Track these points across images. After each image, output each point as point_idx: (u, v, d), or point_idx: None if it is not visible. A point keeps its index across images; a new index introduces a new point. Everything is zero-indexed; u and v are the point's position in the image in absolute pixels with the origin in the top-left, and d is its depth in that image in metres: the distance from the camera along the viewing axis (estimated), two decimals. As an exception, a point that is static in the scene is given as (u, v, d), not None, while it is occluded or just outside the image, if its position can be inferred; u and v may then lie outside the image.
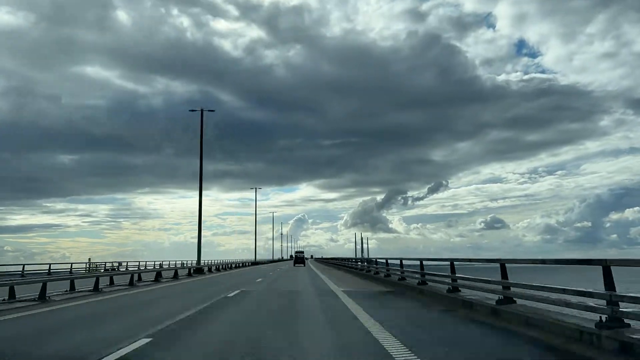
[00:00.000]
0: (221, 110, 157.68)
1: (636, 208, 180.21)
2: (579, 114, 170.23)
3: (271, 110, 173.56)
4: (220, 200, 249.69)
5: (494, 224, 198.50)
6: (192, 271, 35.62)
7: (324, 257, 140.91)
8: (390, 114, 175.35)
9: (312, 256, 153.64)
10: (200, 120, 42.21)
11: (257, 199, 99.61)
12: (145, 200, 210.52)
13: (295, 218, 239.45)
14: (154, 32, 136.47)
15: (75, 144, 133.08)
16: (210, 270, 43.09)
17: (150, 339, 7.55)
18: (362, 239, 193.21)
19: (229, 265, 55.49)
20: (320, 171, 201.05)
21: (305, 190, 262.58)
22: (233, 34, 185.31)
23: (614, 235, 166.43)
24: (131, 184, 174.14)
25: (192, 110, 44.12)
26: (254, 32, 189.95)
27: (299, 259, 71.12)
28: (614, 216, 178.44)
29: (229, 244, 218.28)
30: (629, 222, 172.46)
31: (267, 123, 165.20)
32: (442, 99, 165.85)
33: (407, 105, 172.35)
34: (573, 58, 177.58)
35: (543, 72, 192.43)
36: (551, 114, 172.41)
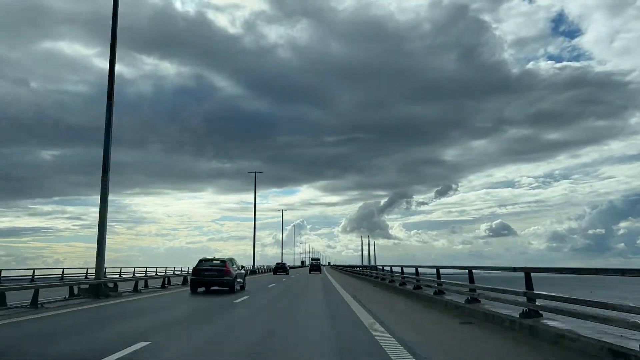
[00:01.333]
0: (216, 98, 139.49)
1: None
2: (610, 109, 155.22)
3: (271, 100, 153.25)
4: (217, 203, 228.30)
5: (501, 231, 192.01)
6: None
7: (331, 263, 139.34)
8: (402, 106, 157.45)
9: (329, 263, 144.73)
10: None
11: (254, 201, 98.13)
12: (137, 201, 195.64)
13: (293, 224, 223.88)
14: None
15: (54, 137, 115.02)
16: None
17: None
18: (369, 244, 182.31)
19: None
20: (322, 172, 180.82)
21: (305, 192, 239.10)
22: (230, 5, 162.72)
23: (622, 244, 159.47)
24: (120, 184, 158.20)
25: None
26: (255, 4, 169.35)
27: (314, 266, 71.71)
28: (624, 224, 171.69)
29: (225, 249, 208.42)
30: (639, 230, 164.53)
31: (266, 115, 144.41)
32: (462, 87, 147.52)
33: (422, 95, 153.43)
34: (616, 38, 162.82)
35: (578, 57, 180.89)
36: (579, 109, 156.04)
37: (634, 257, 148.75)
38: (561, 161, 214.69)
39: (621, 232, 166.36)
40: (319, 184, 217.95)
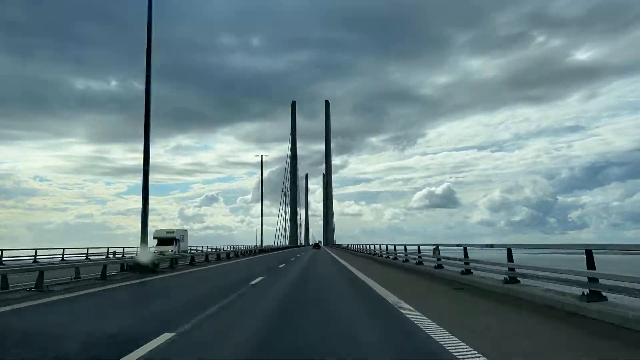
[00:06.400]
0: None
1: (602, 187, 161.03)
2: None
3: None
4: (104, 159, 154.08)
5: (447, 203, 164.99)
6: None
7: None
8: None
9: (318, 242, 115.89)
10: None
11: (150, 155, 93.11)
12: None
13: (204, 196, 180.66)
14: None
15: None
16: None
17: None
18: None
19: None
20: (245, 105, 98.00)
21: (223, 145, 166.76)
22: None
23: (553, 219, 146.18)
24: None
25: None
26: None
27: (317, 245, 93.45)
28: (566, 198, 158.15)
29: (131, 226, 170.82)
30: (579, 204, 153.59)
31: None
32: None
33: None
34: None
35: None
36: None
37: (558, 234, 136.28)
38: (569, 105, 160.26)
39: (559, 206, 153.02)
40: (242, 130, 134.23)
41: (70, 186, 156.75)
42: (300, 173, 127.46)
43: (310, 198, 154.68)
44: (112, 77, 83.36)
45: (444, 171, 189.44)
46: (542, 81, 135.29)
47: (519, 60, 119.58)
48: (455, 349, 5.54)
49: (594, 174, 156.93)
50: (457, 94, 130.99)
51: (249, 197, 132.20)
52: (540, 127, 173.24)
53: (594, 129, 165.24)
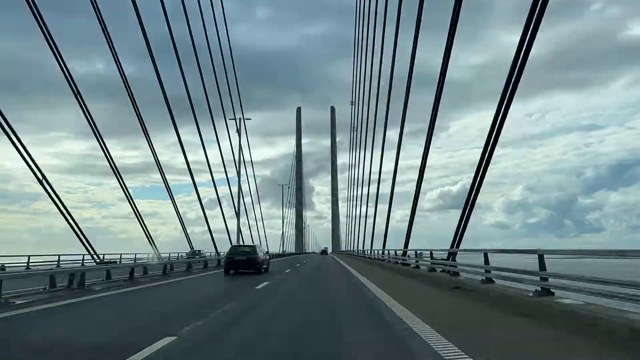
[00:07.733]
0: None
1: (628, 187, 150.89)
2: None
3: None
4: (97, 157, 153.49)
5: (461, 203, 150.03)
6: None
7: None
8: None
9: (325, 249, 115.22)
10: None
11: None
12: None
13: (207, 199, 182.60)
14: None
15: None
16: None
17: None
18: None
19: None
20: (249, 91, 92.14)
21: (225, 142, 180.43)
22: None
23: (570, 222, 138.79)
24: None
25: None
26: None
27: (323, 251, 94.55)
28: (586, 199, 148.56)
29: (132, 230, 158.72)
30: (600, 205, 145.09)
31: None
32: None
33: None
34: None
35: None
36: None
37: (572, 237, 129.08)
38: (613, 92, 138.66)
39: (579, 207, 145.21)
40: (252, 119, 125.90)
41: (74, 190, 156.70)
42: (305, 169, 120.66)
43: (314, 200, 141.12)
44: (97, 55, 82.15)
45: (462, 170, 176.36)
46: (586, 61, 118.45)
47: (566, 34, 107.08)
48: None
49: (621, 173, 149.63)
50: (488, 77, 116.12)
51: (248, 198, 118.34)
52: (574, 118, 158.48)
53: (632, 121, 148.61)
